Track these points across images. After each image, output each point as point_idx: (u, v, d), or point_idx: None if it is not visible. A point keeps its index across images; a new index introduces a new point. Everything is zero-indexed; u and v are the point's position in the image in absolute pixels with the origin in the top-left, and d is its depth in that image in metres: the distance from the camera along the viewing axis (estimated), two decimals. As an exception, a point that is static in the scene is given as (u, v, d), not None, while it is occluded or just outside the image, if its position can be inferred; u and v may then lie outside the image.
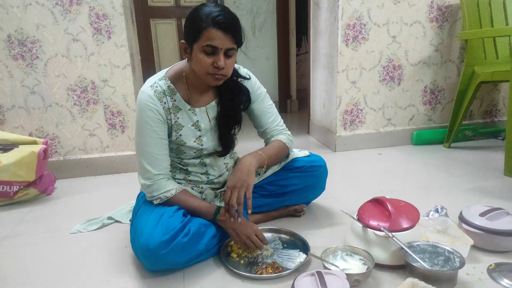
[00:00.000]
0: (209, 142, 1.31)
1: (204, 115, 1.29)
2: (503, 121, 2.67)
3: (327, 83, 2.53)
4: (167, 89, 1.22)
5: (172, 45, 3.58)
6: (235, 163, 1.51)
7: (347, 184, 1.91)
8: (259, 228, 1.25)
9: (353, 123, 2.47)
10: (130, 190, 1.79)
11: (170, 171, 1.31)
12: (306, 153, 1.48)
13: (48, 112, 2.10)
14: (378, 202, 1.25)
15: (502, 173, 1.90)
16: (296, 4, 3.75)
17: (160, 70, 1.29)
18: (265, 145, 1.38)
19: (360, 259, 1.14)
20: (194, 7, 1.13)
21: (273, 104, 1.41)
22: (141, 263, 1.18)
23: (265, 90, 1.39)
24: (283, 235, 1.36)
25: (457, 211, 1.34)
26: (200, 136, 1.29)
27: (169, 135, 1.26)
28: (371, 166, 2.18)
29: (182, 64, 1.27)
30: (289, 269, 1.14)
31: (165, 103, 1.21)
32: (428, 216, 1.36)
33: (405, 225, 1.14)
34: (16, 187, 1.76)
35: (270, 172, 1.44)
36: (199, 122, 1.28)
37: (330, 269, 1.06)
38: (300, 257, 1.20)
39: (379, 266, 1.13)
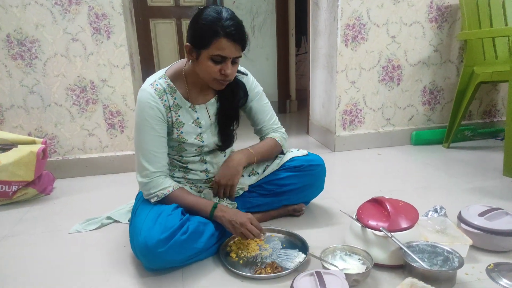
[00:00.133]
0: (209, 138, 1.32)
1: (204, 112, 1.30)
2: (502, 121, 2.67)
3: (327, 83, 2.54)
4: (167, 87, 1.23)
5: (172, 45, 3.58)
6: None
7: (346, 184, 1.91)
8: None
9: (352, 123, 2.47)
10: (129, 190, 1.79)
11: (169, 169, 1.32)
12: (304, 152, 1.49)
13: (47, 112, 2.10)
14: (377, 202, 1.25)
15: (501, 173, 1.90)
16: (295, 4, 3.75)
17: (159, 69, 1.30)
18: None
19: (359, 259, 1.14)
20: (202, 10, 1.13)
21: (269, 102, 1.45)
22: (140, 262, 1.18)
23: (262, 88, 1.42)
24: (282, 235, 1.36)
25: (456, 211, 1.34)
26: (200, 133, 1.30)
27: (170, 133, 1.27)
28: (370, 166, 2.18)
29: (181, 63, 1.28)
30: (288, 269, 1.14)
31: (165, 101, 1.22)
32: (427, 216, 1.36)
33: (404, 225, 1.14)
34: (15, 187, 1.75)
35: (268, 171, 1.45)
36: (199, 119, 1.29)
37: (329, 269, 1.06)
38: (299, 257, 1.20)
39: (378, 266, 1.13)
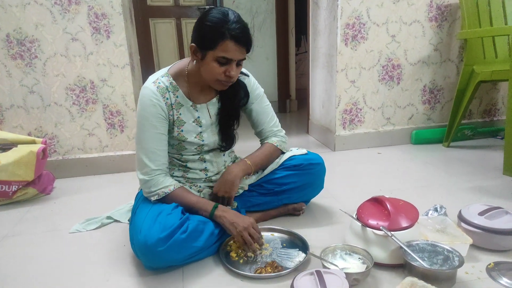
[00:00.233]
0: (209, 138, 1.33)
1: (205, 111, 1.31)
2: (502, 120, 2.67)
3: (327, 83, 2.53)
4: (169, 86, 1.24)
5: (172, 44, 3.58)
6: (233, 162, 1.52)
7: (347, 183, 1.91)
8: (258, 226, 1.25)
9: (352, 122, 2.47)
10: (129, 189, 1.79)
11: (169, 168, 1.32)
12: (304, 151, 1.49)
13: (47, 112, 2.10)
14: (377, 201, 1.25)
15: (501, 172, 1.89)
16: (295, 4, 3.75)
17: (159, 69, 1.30)
18: (259, 147, 1.44)
19: (359, 258, 1.14)
20: (208, 11, 1.14)
21: (270, 104, 1.45)
22: (140, 261, 1.18)
23: (263, 90, 1.43)
24: (282, 234, 1.36)
25: (456, 210, 1.34)
26: (201, 132, 1.31)
27: (171, 131, 1.28)
28: (370, 165, 2.18)
29: (184, 62, 1.29)
30: (288, 268, 1.14)
31: (167, 99, 1.23)
32: (427, 215, 1.36)
33: (404, 224, 1.14)
34: (15, 187, 1.75)
35: (268, 170, 1.45)
36: (200, 118, 1.30)
37: (329, 268, 1.06)
38: (299, 256, 1.20)
39: (378, 265, 1.13)
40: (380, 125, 2.52)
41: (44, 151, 1.85)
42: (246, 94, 1.36)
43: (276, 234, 1.36)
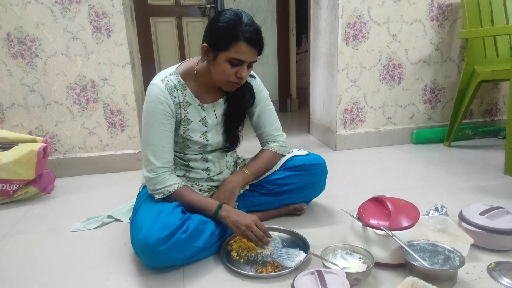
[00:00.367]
0: (214, 138, 1.34)
1: (212, 111, 1.32)
2: (503, 120, 2.67)
3: (327, 82, 2.53)
4: (178, 84, 1.24)
5: (172, 43, 3.58)
6: (235, 162, 1.52)
7: (347, 183, 1.91)
8: None
9: (353, 122, 2.46)
10: (130, 188, 1.79)
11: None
12: (305, 152, 1.49)
13: (47, 111, 2.10)
14: (378, 201, 1.25)
15: (502, 172, 1.90)
16: (296, 3, 3.74)
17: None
18: (258, 152, 1.46)
19: (360, 258, 1.14)
20: (221, 12, 1.15)
21: (273, 108, 1.46)
22: (141, 260, 1.18)
23: (268, 93, 1.44)
24: (283, 234, 1.36)
25: (457, 210, 1.34)
26: (206, 132, 1.31)
27: (177, 129, 1.28)
28: (371, 165, 2.18)
29: (193, 61, 1.29)
30: (289, 267, 1.14)
31: (175, 97, 1.23)
32: (428, 215, 1.36)
33: (405, 224, 1.14)
34: (15, 186, 1.76)
35: (269, 171, 1.45)
36: (206, 118, 1.31)
37: (330, 268, 1.05)
38: (300, 255, 1.20)
39: (379, 265, 1.13)
40: (381, 124, 2.52)
41: (44, 150, 1.85)
42: (253, 96, 1.36)
43: (276, 233, 1.36)
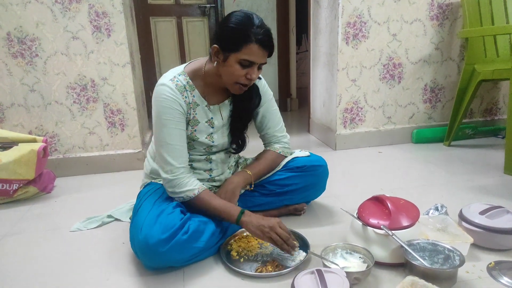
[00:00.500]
0: (219, 139, 1.33)
1: (218, 112, 1.32)
2: (503, 119, 2.67)
3: (327, 81, 2.53)
4: (186, 85, 1.24)
5: (172, 43, 3.58)
6: (236, 162, 1.52)
7: (347, 182, 1.91)
8: None
9: (353, 121, 2.46)
10: (130, 188, 1.79)
11: None
12: (306, 153, 1.49)
13: (47, 110, 2.10)
14: (378, 200, 1.25)
15: (502, 172, 1.90)
16: (296, 2, 3.74)
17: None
18: (260, 152, 1.46)
19: (360, 257, 1.14)
20: (232, 14, 1.14)
21: (277, 108, 1.45)
22: (140, 261, 1.18)
23: (272, 93, 1.44)
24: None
25: (457, 209, 1.34)
26: (212, 133, 1.31)
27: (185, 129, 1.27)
28: (371, 164, 2.18)
29: (201, 62, 1.28)
30: (289, 267, 1.14)
31: (186, 97, 1.23)
32: (428, 214, 1.36)
33: (405, 223, 1.14)
34: (15, 185, 1.76)
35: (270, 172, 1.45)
36: (213, 119, 1.31)
37: (330, 267, 1.05)
38: (300, 255, 1.20)
39: (379, 264, 1.13)
40: (381, 124, 2.52)
41: (44, 149, 1.85)
42: (259, 97, 1.36)
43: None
